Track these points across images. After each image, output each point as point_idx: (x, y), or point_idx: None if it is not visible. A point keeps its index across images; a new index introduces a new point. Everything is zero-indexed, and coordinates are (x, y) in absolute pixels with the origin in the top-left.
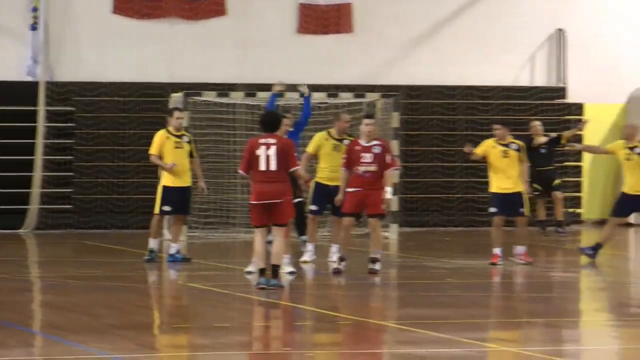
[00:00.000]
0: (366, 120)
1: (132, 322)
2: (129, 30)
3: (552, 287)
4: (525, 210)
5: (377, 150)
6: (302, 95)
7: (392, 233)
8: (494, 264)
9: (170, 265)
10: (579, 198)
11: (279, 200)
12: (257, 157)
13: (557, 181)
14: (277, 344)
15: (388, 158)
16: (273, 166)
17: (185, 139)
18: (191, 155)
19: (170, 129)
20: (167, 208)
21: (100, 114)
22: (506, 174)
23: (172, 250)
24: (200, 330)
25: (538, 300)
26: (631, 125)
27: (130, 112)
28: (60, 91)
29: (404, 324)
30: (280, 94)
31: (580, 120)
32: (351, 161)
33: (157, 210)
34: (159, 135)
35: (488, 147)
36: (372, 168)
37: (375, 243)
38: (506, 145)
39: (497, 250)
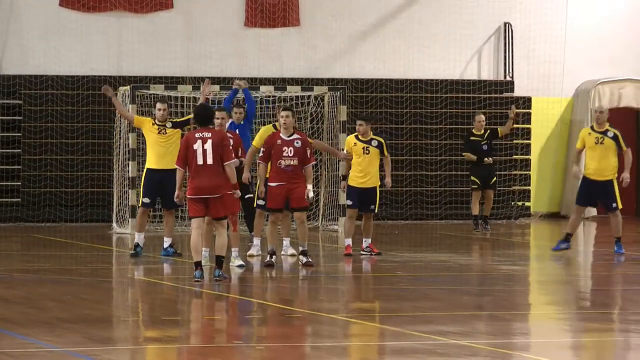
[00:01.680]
0: (282, 112)
1: (81, 316)
2: (75, 24)
3: (500, 280)
4: (376, 206)
5: (297, 144)
6: (236, 90)
7: (341, 226)
8: (349, 254)
9: (118, 258)
10: (527, 191)
11: (216, 195)
12: (193, 152)
13: (494, 179)
14: (226, 337)
15: (308, 152)
16: (210, 160)
17: (169, 124)
18: (186, 123)
19: (154, 120)
20: (146, 200)
21: (48, 107)
22: (364, 170)
23: (166, 244)
24: (150, 324)
25: (486, 294)
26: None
27: (78, 106)
28: (7, 84)
29: (354, 317)
30: (237, 90)
31: (509, 108)
32: (271, 155)
33: (139, 202)
34: (144, 123)
35: (350, 145)
36: (294, 162)
37: (302, 236)
38: (367, 142)
39: (348, 241)
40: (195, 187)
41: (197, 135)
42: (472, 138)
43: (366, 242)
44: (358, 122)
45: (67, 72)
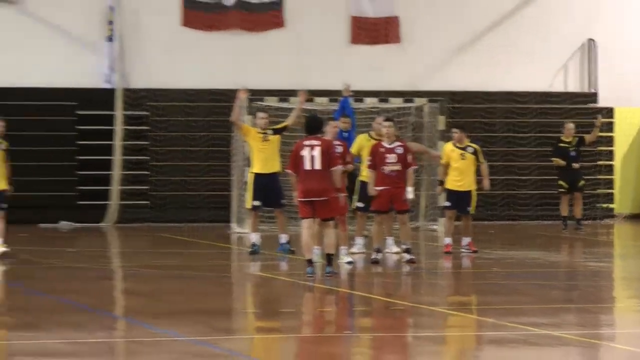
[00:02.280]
0: (385, 123)
1: (205, 308)
2: (196, 41)
3: (587, 276)
4: (472, 207)
5: (399, 150)
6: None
7: (440, 226)
8: (448, 252)
9: (237, 255)
10: (611, 194)
11: (323, 198)
12: (301, 158)
13: (582, 182)
14: (336, 327)
15: (409, 158)
16: (317, 165)
17: (270, 132)
18: (283, 130)
19: (257, 128)
20: (257, 203)
21: (172, 117)
22: (461, 174)
23: (283, 240)
24: (267, 315)
25: (574, 288)
26: None
27: (199, 117)
28: (135, 97)
29: (452, 309)
30: (348, 97)
31: (596, 117)
32: (376, 162)
33: (248, 204)
34: (250, 132)
35: (447, 151)
36: (397, 167)
37: (405, 235)
38: (463, 149)
39: (448, 240)
40: (304, 190)
41: (305, 142)
42: (560, 144)
43: (465, 240)
44: (453, 130)
45: (189, 86)
